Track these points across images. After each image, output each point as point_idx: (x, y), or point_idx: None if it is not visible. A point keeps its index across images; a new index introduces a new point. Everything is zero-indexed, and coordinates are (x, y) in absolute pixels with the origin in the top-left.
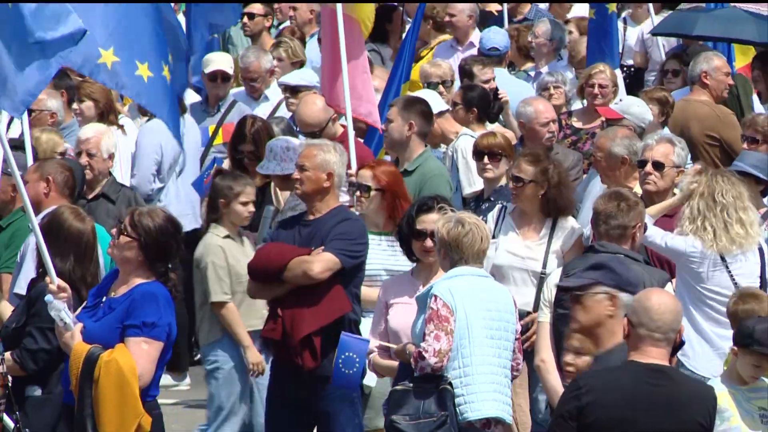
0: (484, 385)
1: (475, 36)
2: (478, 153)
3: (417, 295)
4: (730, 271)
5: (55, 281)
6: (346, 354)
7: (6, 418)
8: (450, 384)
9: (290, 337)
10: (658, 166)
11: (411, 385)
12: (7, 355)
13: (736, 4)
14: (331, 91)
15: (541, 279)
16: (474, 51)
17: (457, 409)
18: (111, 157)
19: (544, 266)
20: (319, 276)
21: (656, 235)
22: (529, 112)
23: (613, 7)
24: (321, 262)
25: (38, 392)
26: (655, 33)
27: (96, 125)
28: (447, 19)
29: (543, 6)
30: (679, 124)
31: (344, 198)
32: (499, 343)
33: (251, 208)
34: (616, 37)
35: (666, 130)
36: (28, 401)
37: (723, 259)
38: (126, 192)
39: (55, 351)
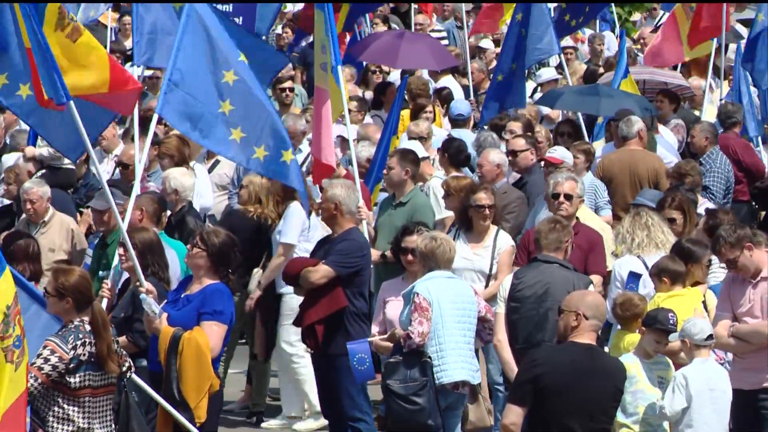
0: (453, 357)
1: None
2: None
3: (403, 292)
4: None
5: (144, 285)
6: (357, 356)
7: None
8: (429, 357)
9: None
10: (569, 197)
11: (400, 357)
12: (123, 338)
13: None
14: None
15: (488, 277)
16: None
17: (434, 376)
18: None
19: (491, 269)
20: (317, 282)
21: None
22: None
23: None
24: (318, 272)
25: (144, 363)
26: (536, 102)
27: (179, 169)
28: None
29: None
30: (628, 167)
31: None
32: (464, 326)
33: None
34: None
35: (590, 174)
36: (138, 369)
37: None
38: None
39: None
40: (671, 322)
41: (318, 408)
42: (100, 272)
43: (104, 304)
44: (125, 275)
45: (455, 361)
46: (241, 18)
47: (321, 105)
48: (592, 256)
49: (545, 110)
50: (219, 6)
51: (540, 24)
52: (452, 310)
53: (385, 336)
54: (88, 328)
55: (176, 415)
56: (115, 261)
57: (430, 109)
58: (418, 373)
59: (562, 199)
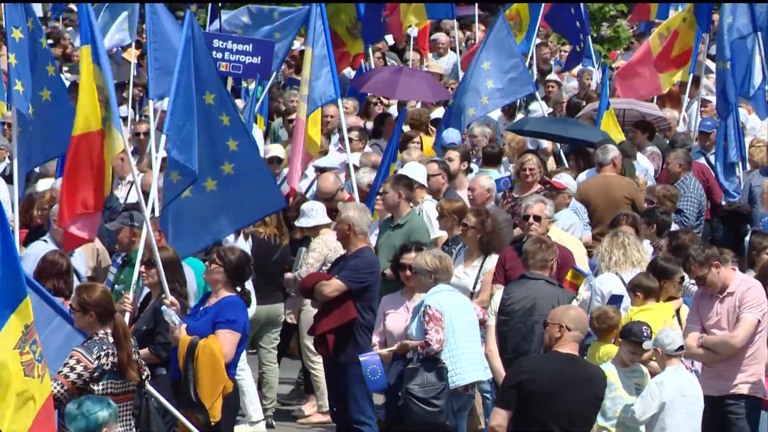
0: (465, 362)
1: None
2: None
3: (414, 305)
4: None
5: (169, 298)
6: (370, 368)
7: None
8: (443, 363)
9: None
10: (537, 218)
11: (419, 364)
12: (145, 350)
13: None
14: (292, 174)
15: (471, 295)
16: None
17: (448, 380)
18: None
19: (474, 287)
20: (330, 295)
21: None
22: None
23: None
24: (331, 286)
25: (164, 372)
26: (508, 129)
27: None
28: None
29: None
30: (603, 191)
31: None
32: (471, 331)
33: None
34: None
35: (574, 201)
36: (158, 378)
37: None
38: None
39: None
40: (645, 334)
41: (254, 417)
42: (116, 287)
43: (126, 317)
44: (146, 291)
45: (468, 365)
46: (259, 57)
47: (297, 134)
48: (563, 271)
49: (544, 143)
50: (240, 46)
51: (504, 64)
52: (459, 320)
53: (394, 348)
54: (111, 340)
55: (182, 419)
56: (135, 277)
57: (417, 140)
58: (435, 377)
59: (531, 220)
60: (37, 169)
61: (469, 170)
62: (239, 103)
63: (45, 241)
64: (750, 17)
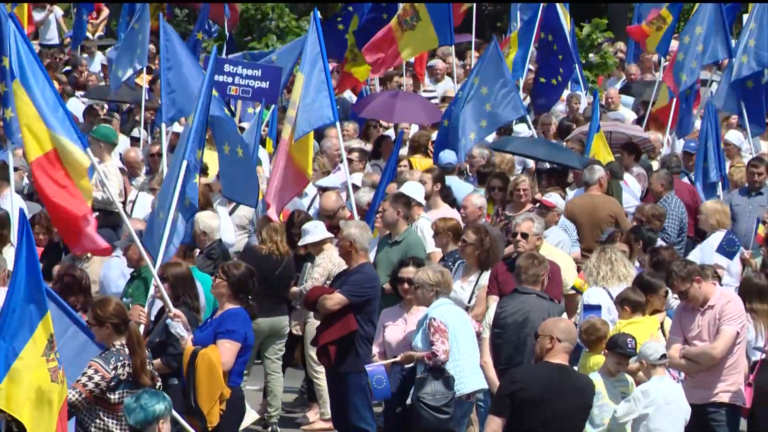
0: (468, 372)
1: None
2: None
3: (419, 318)
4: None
5: (172, 311)
6: (375, 378)
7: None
8: (449, 373)
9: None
10: (525, 235)
11: (427, 374)
12: (158, 361)
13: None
14: (271, 191)
15: (466, 308)
16: None
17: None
18: None
19: (469, 301)
20: (332, 308)
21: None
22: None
23: (445, 122)
24: (333, 299)
25: (176, 382)
26: (490, 146)
27: (206, 213)
28: None
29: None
30: (588, 210)
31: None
32: (471, 342)
33: None
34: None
35: (563, 218)
36: (170, 388)
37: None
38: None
39: None
40: (629, 346)
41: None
42: (124, 299)
43: (141, 329)
44: (159, 304)
45: (472, 374)
46: (267, 82)
47: (279, 154)
48: (550, 284)
49: (530, 163)
50: (249, 71)
51: (499, 89)
52: (461, 332)
53: (398, 358)
54: (127, 351)
55: (187, 427)
56: (151, 291)
57: (405, 163)
58: (443, 386)
59: (519, 237)
60: None
61: (444, 188)
62: (244, 125)
63: (118, 257)
64: (725, 44)
